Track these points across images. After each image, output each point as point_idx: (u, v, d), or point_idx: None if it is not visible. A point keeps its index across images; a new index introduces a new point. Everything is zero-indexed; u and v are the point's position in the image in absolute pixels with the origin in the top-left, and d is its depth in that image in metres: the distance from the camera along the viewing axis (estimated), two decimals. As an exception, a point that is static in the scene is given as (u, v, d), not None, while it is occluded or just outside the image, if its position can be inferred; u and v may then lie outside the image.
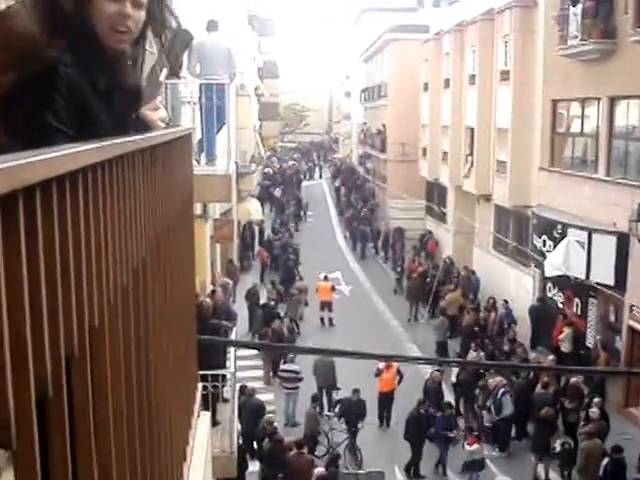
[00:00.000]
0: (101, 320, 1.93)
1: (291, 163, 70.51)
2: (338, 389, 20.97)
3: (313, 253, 39.18)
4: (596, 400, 17.60)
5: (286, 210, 48.44)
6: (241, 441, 15.95)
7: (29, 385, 1.40)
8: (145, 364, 2.63)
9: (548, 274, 22.94)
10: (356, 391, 19.10)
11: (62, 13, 2.72)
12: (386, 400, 20.58)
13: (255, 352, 22.82)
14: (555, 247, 22.44)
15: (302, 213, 50.31)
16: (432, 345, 25.24)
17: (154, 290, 2.84)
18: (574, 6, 21.44)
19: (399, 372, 20.40)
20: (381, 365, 20.10)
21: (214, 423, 9.95)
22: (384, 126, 48.07)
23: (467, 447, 17.06)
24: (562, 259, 21.62)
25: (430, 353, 24.49)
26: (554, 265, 22.06)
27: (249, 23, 40.24)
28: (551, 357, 20.38)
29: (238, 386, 15.54)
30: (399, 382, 20.51)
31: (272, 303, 26.50)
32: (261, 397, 18.86)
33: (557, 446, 17.07)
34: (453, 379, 20.85)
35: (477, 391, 19.88)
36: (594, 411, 17.03)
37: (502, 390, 18.57)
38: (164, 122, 3.10)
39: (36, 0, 2.81)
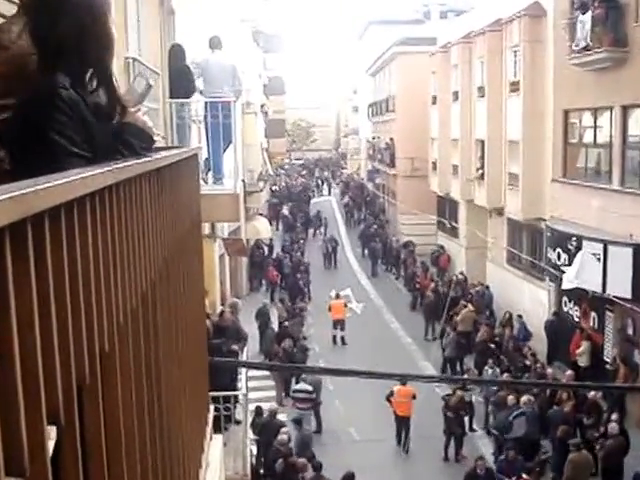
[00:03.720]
0: (111, 345, 2.00)
1: (299, 180, 70.40)
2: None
3: (323, 271, 38.95)
4: (614, 416, 17.27)
5: (296, 229, 47.89)
6: (255, 461, 15.79)
7: (41, 414, 1.43)
8: (156, 388, 2.71)
9: (565, 287, 22.59)
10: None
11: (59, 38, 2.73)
12: (403, 423, 19.87)
13: (267, 372, 22.56)
14: (570, 260, 22.10)
15: (333, 258, 42.62)
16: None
17: (163, 313, 2.93)
18: (583, 14, 21.20)
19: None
20: (395, 387, 19.43)
21: (226, 445, 9.81)
22: (392, 140, 47.89)
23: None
24: (577, 272, 21.31)
25: (445, 371, 24.13)
26: (569, 278, 21.76)
27: (254, 39, 40.15)
28: (569, 372, 20.08)
29: (252, 407, 15.34)
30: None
31: (285, 323, 26.38)
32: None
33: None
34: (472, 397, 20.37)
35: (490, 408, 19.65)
36: (613, 427, 16.69)
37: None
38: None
39: (33, 25, 2.78)
